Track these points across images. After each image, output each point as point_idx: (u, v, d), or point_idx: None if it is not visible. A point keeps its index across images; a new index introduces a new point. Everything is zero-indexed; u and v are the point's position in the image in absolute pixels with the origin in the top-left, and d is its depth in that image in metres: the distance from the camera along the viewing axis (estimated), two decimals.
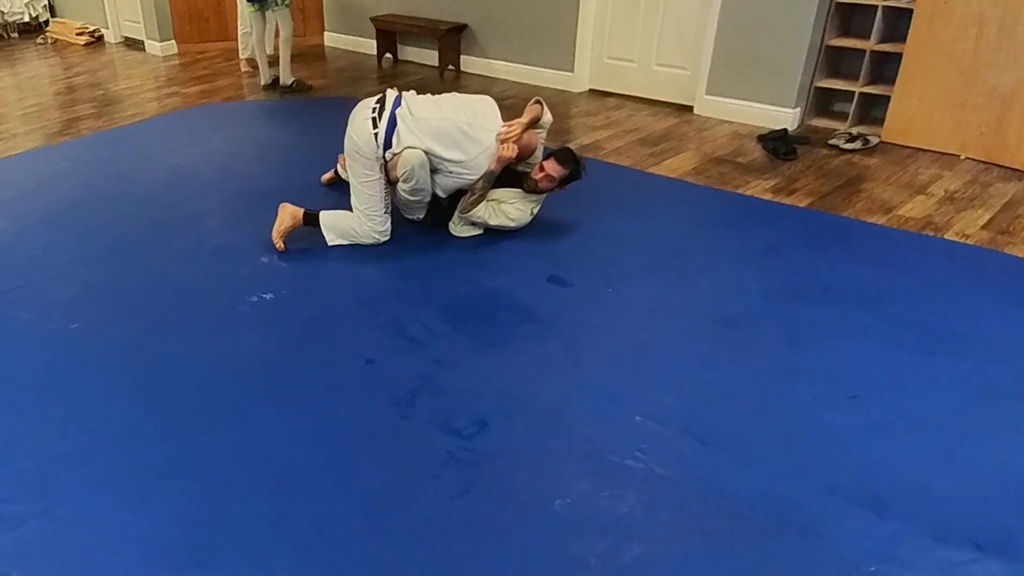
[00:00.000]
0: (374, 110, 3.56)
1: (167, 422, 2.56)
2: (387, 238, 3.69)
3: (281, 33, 6.29)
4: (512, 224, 3.79)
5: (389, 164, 3.56)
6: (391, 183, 3.63)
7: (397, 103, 3.58)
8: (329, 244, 3.68)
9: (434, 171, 3.62)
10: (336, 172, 4.38)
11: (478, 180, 3.61)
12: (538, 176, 3.72)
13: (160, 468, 2.36)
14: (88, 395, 2.69)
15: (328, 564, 2.05)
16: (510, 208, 3.78)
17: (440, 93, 3.79)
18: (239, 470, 2.36)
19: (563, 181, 3.75)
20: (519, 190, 3.80)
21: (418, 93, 3.73)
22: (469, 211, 3.70)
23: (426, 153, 3.51)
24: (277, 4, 6.14)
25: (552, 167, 3.70)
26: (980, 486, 2.31)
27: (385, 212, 3.66)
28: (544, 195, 3.84)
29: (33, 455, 2.41)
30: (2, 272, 3.49)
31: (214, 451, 2.43)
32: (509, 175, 3.79)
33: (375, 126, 3.51)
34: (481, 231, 3.83)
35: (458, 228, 3.82)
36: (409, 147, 3.48)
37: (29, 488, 2.28)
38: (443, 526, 2.16)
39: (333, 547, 2.09)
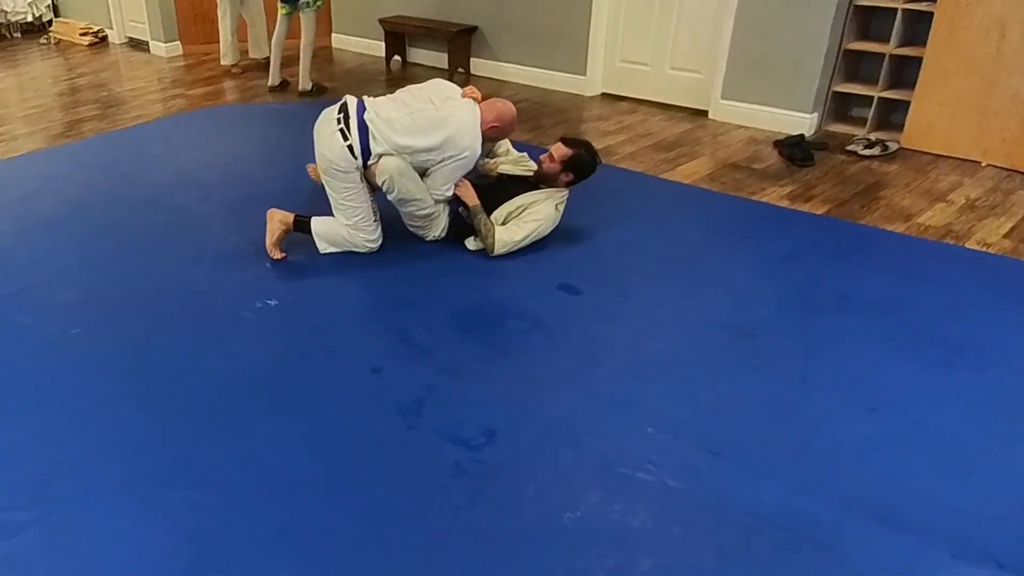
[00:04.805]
0: (339, 121, 3.43)
1: (169, 430, 2.52)
2: (379, 244, 3.63)
3: (303, 37, 6.20)
4: (543, 223, 3.65)
5: (368, 172, 3.48)
6: (375, 190, 3.56)
7: (361, 108, 3.47)
8: (321, 252, 3.61)
9: (428, 173, 3.51)
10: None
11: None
12: (543, 158, 3.72)
13: (161, 476, 2.33)
14: (89, 402, 2.66)
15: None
16: (535, 209, 3.66)
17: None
18: (242, 479, 2.32)
19: (572, 167, 3.67)
20: (536, 190, 3.73)
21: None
22: (489, 239, 3.58)
23: (412, 152, 3.41)
24: (309, 4, 6.09)
25: (556, 149, 3.69)
26: (1001, 501, 2.26)
27: (375, 220, 3.58)
28: (564, 190, 3.75)
29: (31, 462, 2.38)
30: (2, 275, 3.46)
31: (216, 459, 2.40)
32: (507, 185, 3.75)
33: (345, 138, 3.40)
34: None
35: (475, 243, 3.70)
36: (386, 154, 3.39)
37: (27, 495, 2.25)
38: (449, 538, 2.13)
39: (337, 558, 2.06)
